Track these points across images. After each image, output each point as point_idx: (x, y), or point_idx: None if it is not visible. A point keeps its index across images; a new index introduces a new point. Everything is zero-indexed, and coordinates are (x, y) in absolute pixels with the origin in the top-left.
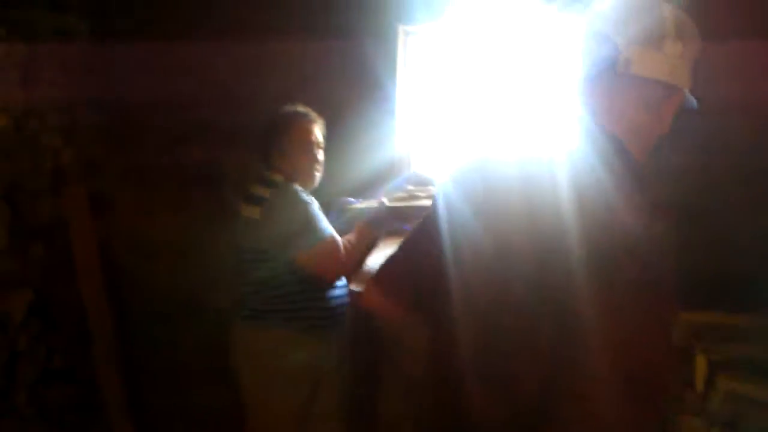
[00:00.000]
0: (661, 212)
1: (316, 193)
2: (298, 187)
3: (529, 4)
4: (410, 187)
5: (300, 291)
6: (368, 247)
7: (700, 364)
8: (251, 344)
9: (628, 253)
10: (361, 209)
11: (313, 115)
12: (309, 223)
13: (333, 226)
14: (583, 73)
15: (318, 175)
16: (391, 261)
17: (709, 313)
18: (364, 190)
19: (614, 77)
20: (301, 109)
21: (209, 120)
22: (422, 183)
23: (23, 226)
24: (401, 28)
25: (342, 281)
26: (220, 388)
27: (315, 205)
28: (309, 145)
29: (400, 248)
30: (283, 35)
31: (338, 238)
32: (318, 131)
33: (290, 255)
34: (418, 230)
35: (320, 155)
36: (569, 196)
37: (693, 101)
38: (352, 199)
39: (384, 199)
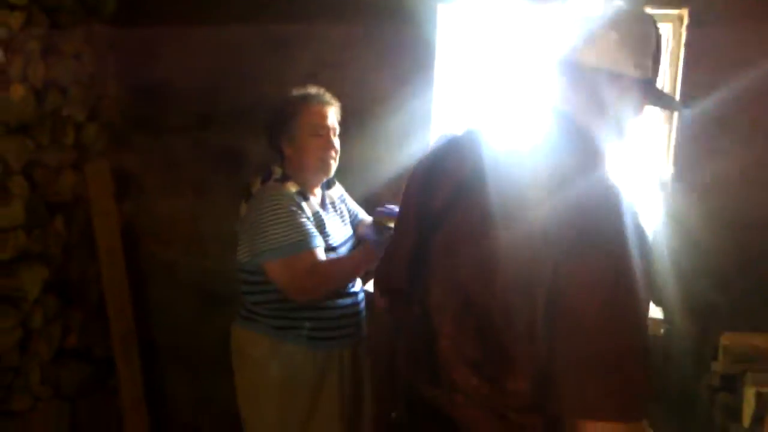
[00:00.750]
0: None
1: (345, 185)
2: (288, 188)
3: None
4: None
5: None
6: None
7: (749, 396)
8: (243, 347)
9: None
10: None
11: (326, 96)
12: (285, 231)
13: (372, 243)
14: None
15: (333, 163)
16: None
17: (762, 335)
18: (400, 186)
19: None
20: (313, 90)
21: (235, 103)
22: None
23: (43, 202)
24: (439, 6)
25: (354, 286)
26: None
27: (302, 213)
28: (321, 129)
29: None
30: (313, 17)
31: (319, 255)
32: (332, 115)
33: (260, 263)
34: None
35: (335, 141)
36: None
37: (658, 95)
38: (391, 207)
39: None
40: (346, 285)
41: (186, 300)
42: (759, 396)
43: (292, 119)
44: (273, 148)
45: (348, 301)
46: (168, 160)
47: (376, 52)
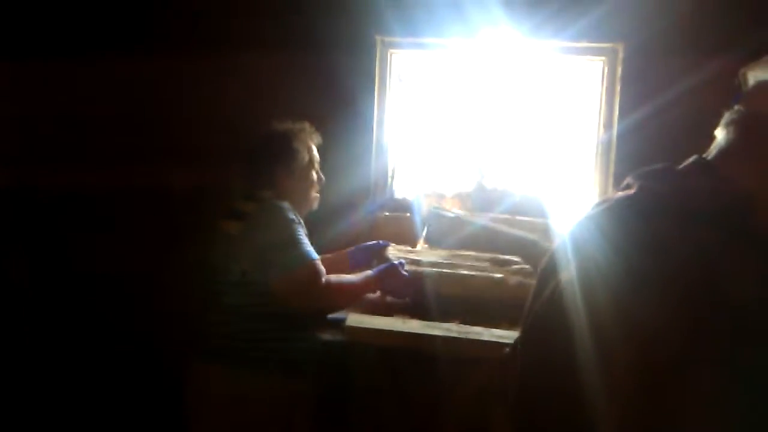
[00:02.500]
0: None
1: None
2: (285, 205)
3: (499, 29)
4: (386, 213)
5: (278, 326)
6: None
7: None
8: (212, 386)
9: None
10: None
11: (309, 129)
12: (291, 243)
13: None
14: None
15: (317, 196)
16: None
17: None
18: (338, 212)
19: None
20: (295, 124)
21: (163, 137)
22: (399, 209)
23: None
24: (379, 40)
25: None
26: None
27: (301, 227)
28: (317, 163)
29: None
30: (251, 47)
31: (320, 266)
32: (315, 147)
33: (266, 277)
34: None
35: (320, 175)
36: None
37: None
38: (382, 242)
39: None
40: (347, 303)
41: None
42: None
43: (295, 151)
44: (257, 179)
45: (322, 338)
46: (88, 201)
47: (316, 81)
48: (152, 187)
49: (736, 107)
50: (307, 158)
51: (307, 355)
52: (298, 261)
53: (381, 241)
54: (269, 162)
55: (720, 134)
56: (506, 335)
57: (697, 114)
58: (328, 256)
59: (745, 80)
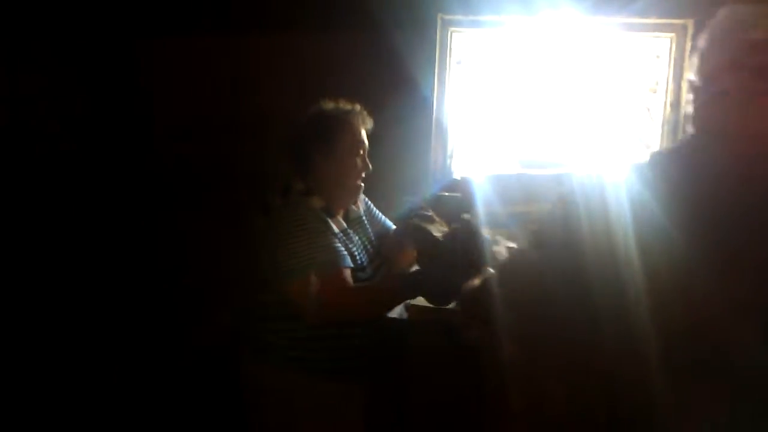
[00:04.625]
0: None
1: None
2: (312, 203)
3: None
4: (446, 194)
5: (308, 325)
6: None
7: None
8: (261, 380)
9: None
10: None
11: (365, 114)
12: (312, 250)
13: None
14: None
15: (361, 185)
16: None
17: None
18: (398, 192)
19: None
20: (348, 106)
21: (228, 115)
22: (458, 189)
23: None
24: (440, 18)
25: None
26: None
27: (328, 230)
28: (362, 148)
29: None
30: (311, 27)
31: (347, 276)
32: (364, 132)
33: (283, 282)
34: None
35: (365, 161)
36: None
37: None
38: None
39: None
40: (373, 316)
41: (170, 325)
42: None
43: (337, 134)
44: (297, 161)
45: (367, 330)
46: (151, 175)
47: (375, 61)
48: (219, 168)
49: None
50: (350, 143)
51: (350, 353)
52: (318, 267)
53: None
54: (308, 145)
55: None
56: None
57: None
58: (388, 232)
59: None
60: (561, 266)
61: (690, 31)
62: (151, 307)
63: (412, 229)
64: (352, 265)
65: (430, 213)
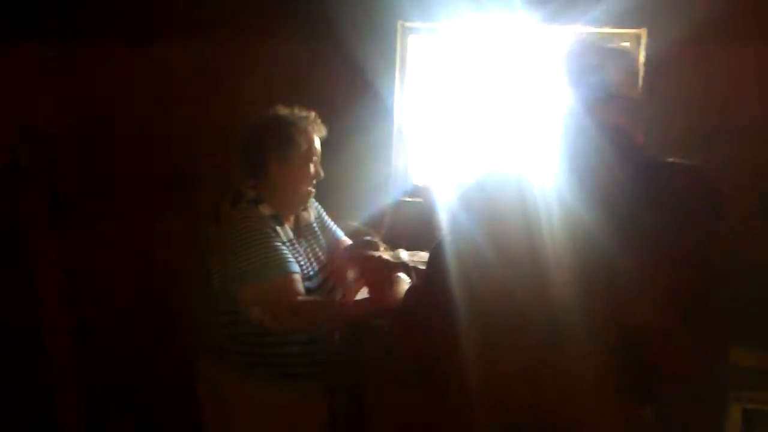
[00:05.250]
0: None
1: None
2: (260, 212)
3: (518, 14)
4: (407, 199)
5: (265, 331)
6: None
7: (734, 413)
8: (215, 384)
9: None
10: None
11: (319, 122)
12: (260, 255)
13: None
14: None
15: (311, 191)
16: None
17: (742, 352)
18: (360, 198)
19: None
20: (300, 112)
21: (186, 122)
22: (422, 195)
23: None
24: (400, 25)
25: None
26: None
27: (276, 236)
28: (315, 155)
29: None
30: (271, 32)
31: (296, 282)
32: (317, 139)
33: (234, 287)
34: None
35: (318, 169)
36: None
37: None
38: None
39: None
40: (320, 329)
41: (131, 334)
42: (745, 413)
43: (293, 140)
44: (250, 167)
45: (323, 335)
46: (115, 185)
47: (335, 67)
48: (180, 175)
49: None
50: (304, 148)
51: (307, 357)
52: (269, 273)
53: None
54: (263, 148)
55: None
56: None
57: (721, 102)
58: (341, 241)
59: None
60: (478, 265)
61: (643, 40)
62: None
63: (364, 259)
64: (299, 272)
65: (375, 239)
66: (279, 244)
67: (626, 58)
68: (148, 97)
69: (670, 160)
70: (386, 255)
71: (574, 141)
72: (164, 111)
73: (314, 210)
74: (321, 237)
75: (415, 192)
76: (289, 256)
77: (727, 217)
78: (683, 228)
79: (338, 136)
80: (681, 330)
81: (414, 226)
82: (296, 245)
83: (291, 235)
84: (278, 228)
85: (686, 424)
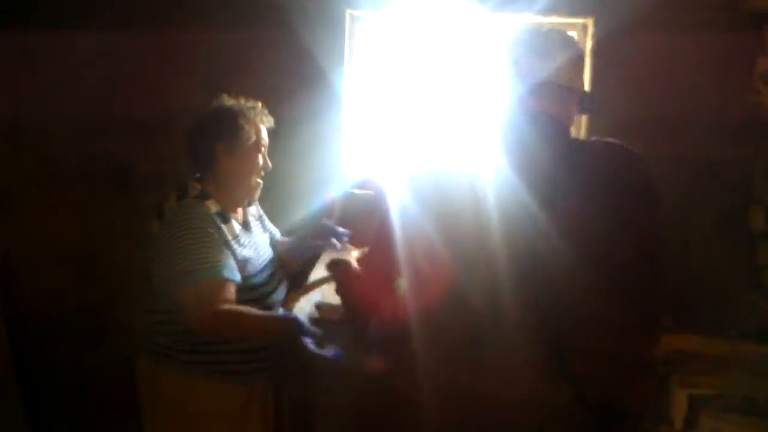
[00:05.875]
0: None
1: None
2: (206, 208)
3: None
4: (356, 191)
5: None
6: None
7: (680, 398)
8: (154, 384)
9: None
10: None
11: (263, 110)
12: (200, 255)
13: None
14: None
15: (260, 183)
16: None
17: (687, 337)
18: (308, 189)
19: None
20: (246, 102)
21: (127, 113)
22: (371, 187)
23: None
24: (349, 14)
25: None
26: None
27: (220, 237)
28: (263, 146)
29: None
30: (219, 23)
31: (231, 289)
32: (264, 130)
33: (172, 287)
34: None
35: (266, 160)
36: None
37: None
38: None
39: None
40: (249, 340)
41: (70, 332)
42: (691, 398)
43: (240, 130)
44: (197, 159)
45: None
46: (50, 178)
47: (282, 56)
48: (115, 167)
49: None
50: (253, 139)
51: (248, 355)
52: (204, 276)
53: (321, 244)
54: (210, 140)
55: None
56: None
57: (667, 89)
58: (282, 240)
59: None
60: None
61: (590, 29)
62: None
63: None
64: (238, 279)
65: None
66: (221, 245)
67: (571, 47)
68: (88, 87)
69: (593, 138)
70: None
71: (513, 128)
72: (103, 102)
73: (256, 208)
74: (264, 233)
75: (364, 184)
76: (227, 260)
77: (654, 194)
78: (609, 207)
79: (285, 127)
80: (610, 310)
81: (363, 218)
82: (242, 241)
83: (237, 231)
84: (223, 226)
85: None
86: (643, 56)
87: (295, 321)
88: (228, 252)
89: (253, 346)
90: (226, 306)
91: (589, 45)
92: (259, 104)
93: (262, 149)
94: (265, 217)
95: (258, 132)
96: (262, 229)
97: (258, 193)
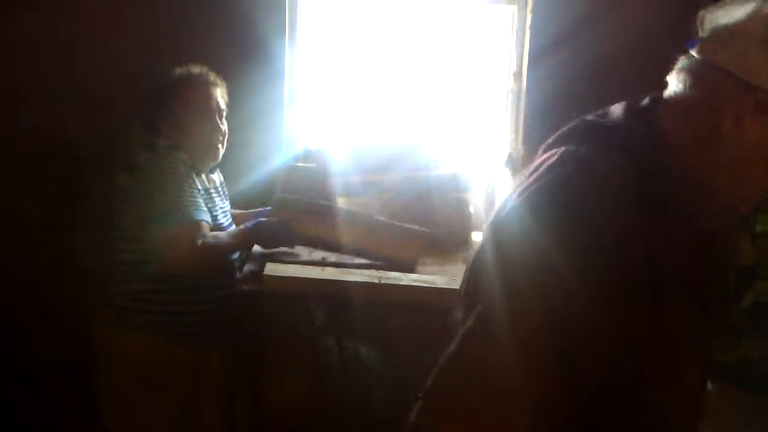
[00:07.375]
0: None
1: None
2: (179, 155)
3: None
4: (300, 164)
5: (173, 287)
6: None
7: None
8: (115, 345)
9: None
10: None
11: (210, 76)
12: (176, 198)
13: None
14: None
15: (220, 147)
16: None
17: None
18: (251, 163)
19: None
20: (195, 69)
21: (53, 82)
22: (315, 160)
23: None
24: None
25: (226, 280)
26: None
27: (193, 181)
28: (207, 111)
29: None
30: None
31: (204, 226)
32: (220, 96)
33: (147, 234)
34: None
35: (223, 124)
36: None
37: None
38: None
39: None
40: (225, 260)
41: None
42: None
43: (174, 99)
44: (148, 129)
45: (222, 293)
46: None
47: (224, 28)
48: (51, 136)
49: (691, 53)
50: (216, 103)
51: (206, 316)
52: (174, 219)
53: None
54: (170, 96)
55: (672, 81)
56: (424, 279)
57: (607, 61)
58: (237, 212)
59: (702, 24)
60: None
61: (530, 4)
62: None
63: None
64: (209, 222)
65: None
66: (195, 191)
67: None
68: (13, 51)
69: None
70: None
71: None
72: (31, 68)
73: (220, 176)
74: (226, 201)
75: (307, 157)
76: (203, 204)
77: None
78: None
79: (229, 100)
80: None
81: (307, 191)
82: (212, 196)
83: (206, 185)
84: (195, 177)
85: None
86: (583, 28)
87: (261, 224)
88: (201, 198)
89: (209, 308)
90: (200, 242)
91: (529, 19)
92: (205, 69)
93: (209, 114)
94: (224, 186)
95: (215, 96)
96: (224, 197)
97: (218, 157)
